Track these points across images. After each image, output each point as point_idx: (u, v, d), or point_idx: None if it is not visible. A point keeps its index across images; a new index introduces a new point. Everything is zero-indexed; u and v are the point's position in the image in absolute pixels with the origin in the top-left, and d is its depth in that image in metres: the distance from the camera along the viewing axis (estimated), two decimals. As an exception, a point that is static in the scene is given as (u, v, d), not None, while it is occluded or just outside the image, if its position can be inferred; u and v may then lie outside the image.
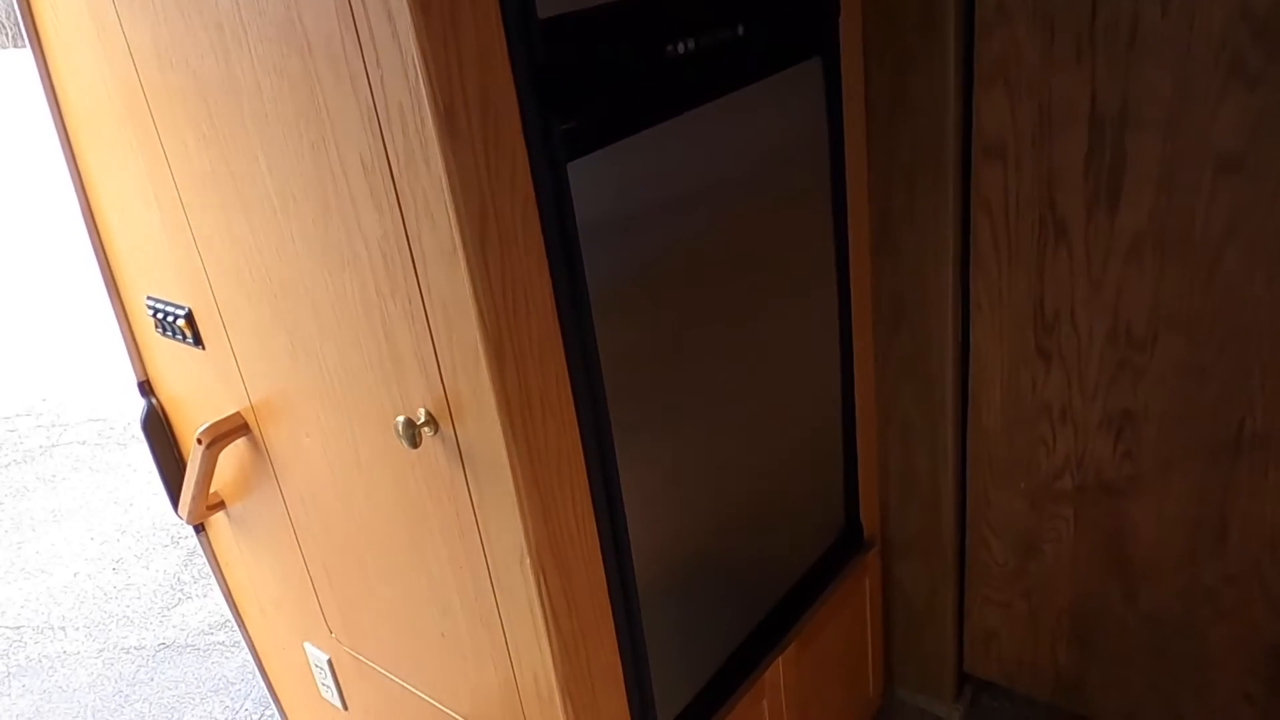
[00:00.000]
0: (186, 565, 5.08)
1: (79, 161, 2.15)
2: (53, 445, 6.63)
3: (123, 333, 2.34)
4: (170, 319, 2.11)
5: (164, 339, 2.21)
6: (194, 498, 2.24)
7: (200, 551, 2.56)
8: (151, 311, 2.17)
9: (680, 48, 1.67)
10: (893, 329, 2.43)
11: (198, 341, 2.10)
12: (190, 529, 2.51)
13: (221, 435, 2.07)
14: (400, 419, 1.59)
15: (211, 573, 2.61)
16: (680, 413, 1.88)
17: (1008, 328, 2.31)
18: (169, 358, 2.25)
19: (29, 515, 5.73)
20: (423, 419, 1.60)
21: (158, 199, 1.96)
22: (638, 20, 1.58)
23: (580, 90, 1.50)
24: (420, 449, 1.63)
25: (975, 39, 2.09)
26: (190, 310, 2.06)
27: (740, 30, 1.79)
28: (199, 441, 2.07)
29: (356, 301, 1.62)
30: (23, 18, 2.02)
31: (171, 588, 4.89)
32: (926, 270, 2.32)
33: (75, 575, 5.09)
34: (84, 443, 6.59)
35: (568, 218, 1.51)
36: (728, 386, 2.00)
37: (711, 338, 1.92)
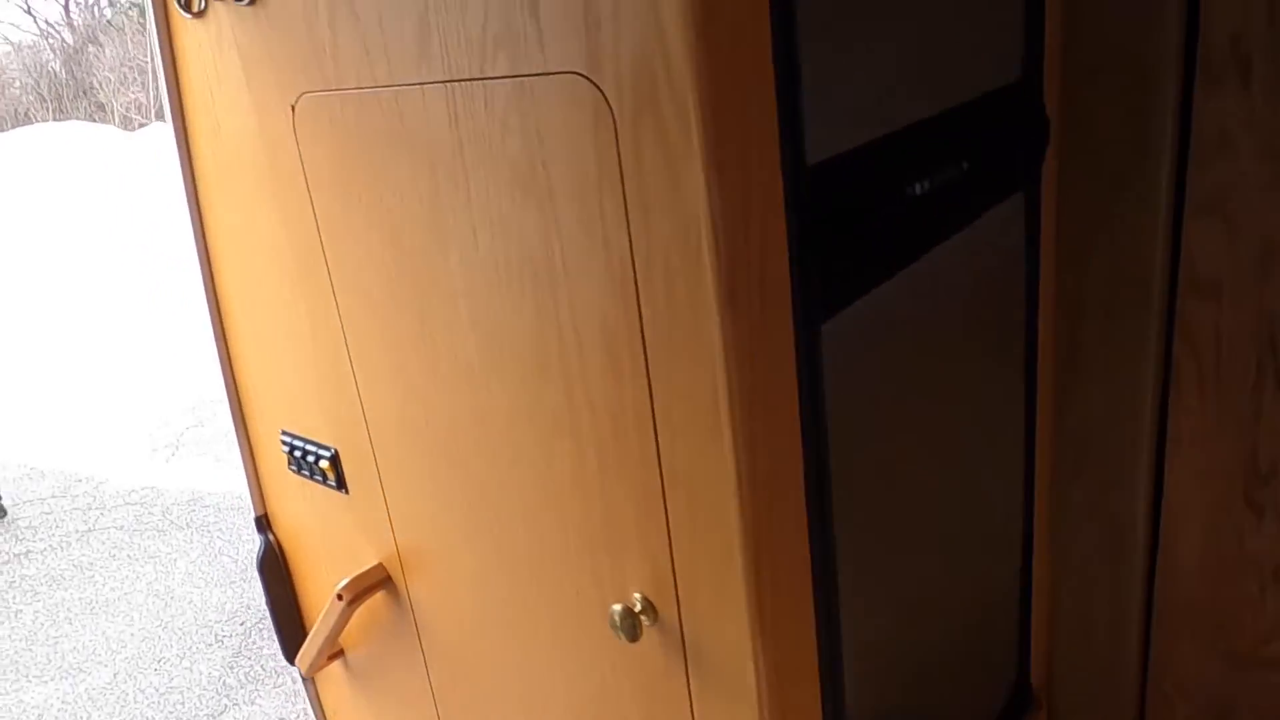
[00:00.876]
0: (232, 668, 4.80)
1: (219, 290, 2.00)
2: (89, 530, 6.40)
3: (245, 464, 2.15)
4: (309, 458, 1.93)
5: (295, 476, 2.02)
6: (320, 651, 2.03)
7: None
8: (287, 448, 1.98)
9: (918, 187, 1.52)
10: (1077, 467, 2.23)
11: (340, 485, 1.91)
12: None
13: (365, 590, 1.87)
14: (617, 608, 1.38)
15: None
16: (887, 570, 1.68)
17: (1212, 474, 2.11)
18: (298, 497, 2.06)
19: (65, 606, 5.48)
20: (639, 606, 1.40)
21: (314, 337, 1.80)
22: (887, 160, 1.44)
23: (837, 242, 1.34)
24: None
25: (1189, 168, 1.94)
26: (337, 452, 1.88)
27: (965, 167, 1.64)
28: (340, 597, 1.87)
29: (566, 470, 1.43)
30: (176, 135, 1.89)
31: (217, 692, 4.61)
32: (1119, 408, 2.13)
33: (115, 675, 4.81)
34: (121, 528, 6.36)
35: (820, 382, 1.34)
36: (922, 536, 1.81)
37: (919, 486, 1.75)
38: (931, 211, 1.57)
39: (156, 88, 19.96)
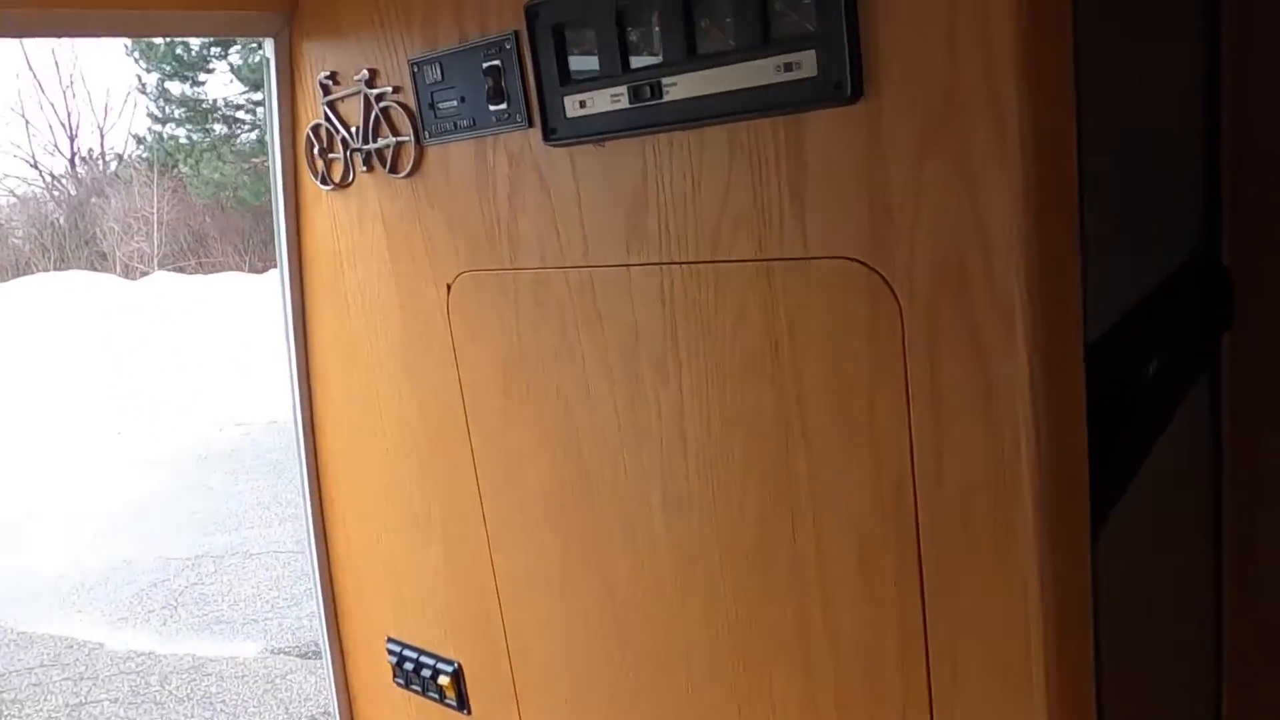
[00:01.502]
0: None
1: (320, 468, 1.80)
2: (81, 703, 5.88)
3: (334, 672, 1.89)
4: (424, 671, 1.68)
5: (401, 690, 1.75)
6: None
7: None
8: (395, 658, 1.73)
9: (1150, 369, 1.37)
10: (1266, 661, 2.00)
11: (462, 705, 1.65)
12: None
13: (491, 836, 1.58)
14: None
15: None
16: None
17: None
18: (402, 713, 1.79)
19: (55, 798, 4.95)
20: None
21: (445, 535, 1.59)
22: (1124, 341, 1.28)
23: (1105, 434, 1.16)
24: None
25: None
26: (460, 667, 1.63)
27: (1176, 345, 1.51)
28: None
29: (791, 711, 1.20)
30: (290, 305, 1.74)
31: None
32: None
33: None
34: (116, 700, 5.85)
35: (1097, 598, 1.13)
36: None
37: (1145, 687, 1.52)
38: (1158, 396, 1.42)
39: (160, 236, 20.28)
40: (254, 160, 19.74)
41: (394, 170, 1.48)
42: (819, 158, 1.02)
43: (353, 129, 1.52)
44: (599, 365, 1.31)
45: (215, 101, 20.39)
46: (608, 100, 1.17)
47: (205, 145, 20.05)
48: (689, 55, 1.08)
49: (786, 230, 1.07)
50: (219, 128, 20.58)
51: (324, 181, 1.59)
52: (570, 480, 1.39)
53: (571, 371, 1.34)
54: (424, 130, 1.41)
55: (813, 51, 0.99)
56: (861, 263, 1.02)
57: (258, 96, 20.03)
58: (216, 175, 19.78)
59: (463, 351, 1.49)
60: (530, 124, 1.27)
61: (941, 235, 0.96)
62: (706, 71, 1.08)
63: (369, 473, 1.73)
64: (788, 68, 1.01)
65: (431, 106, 1.39)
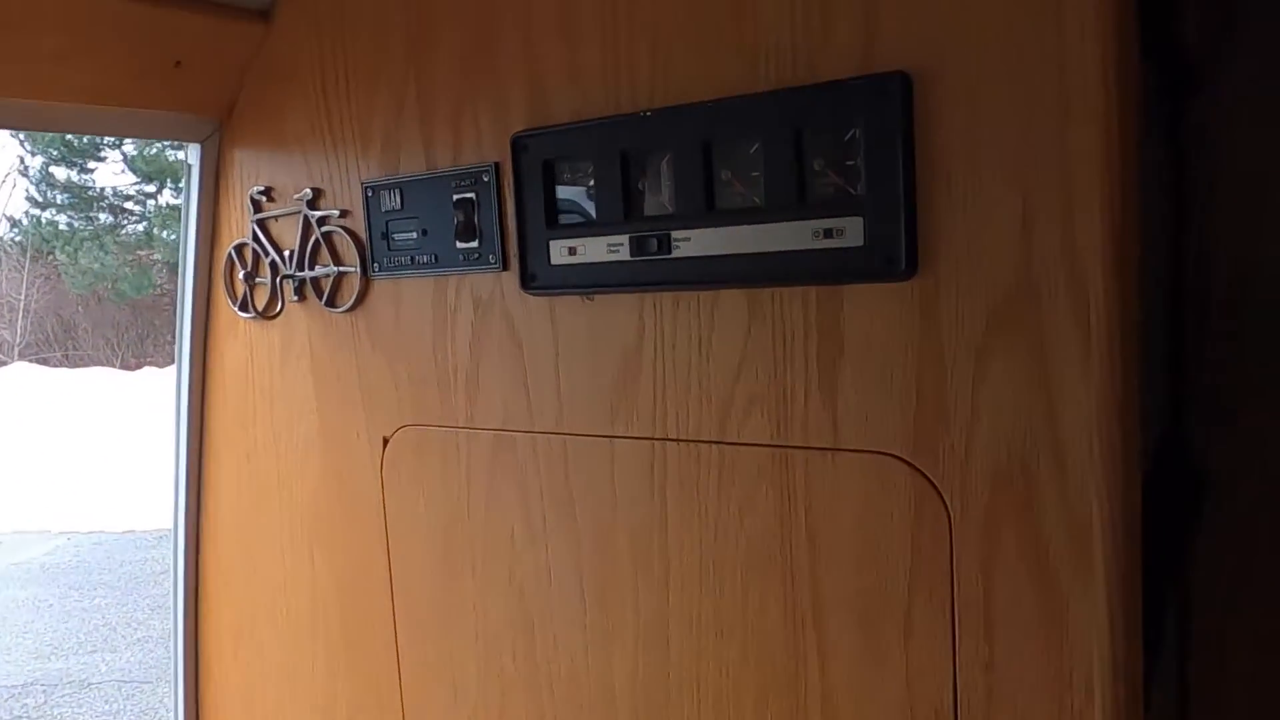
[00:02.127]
0: None
1: (201, 631, 1.51)
2: None
3: None
4: None
5: None
6: None
7: None
8: None
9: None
10: None
11: None
12: None
13: None
14: None
15: None
16: None
17: None
18: None
19: None
20: None
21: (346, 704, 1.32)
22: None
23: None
24: None
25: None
26: None
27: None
28: None
29: None
30: (186, 448, 1.48)
31: None
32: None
33: None
34: None
35: None
36: None
37: None
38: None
39: (25, 324, 18.91)
40: (139, 253, 18.85)
41: (331, 303, 1.28)
42: (858, 336, 0.89)
43: (286, 253, 1.32)
44: (566, 549, 1.11)
45: (103, 190, 19.53)
46: (603, 249, 1.02)
47: (87, 234, 19.05)
48: (707, 210, 0.95)
49: (813, 415, 0.92)
50: (104, 217, 19.65)
51: (244, 308, 1.37)
52: (518, 681, 1.17)
53: (531, 554, 1.14)
54: (373, 262, 1.23)
55: (859, 219, 0.87)
56: (904, 460, 0.88)
57: (150, 188, 19.34)
58: (96, 265, 18.73)
59: (396, 518, 1.27)
60: (505, 267, 1.11)
61: (1004, 437, 0.83)
62: (727, 229, 0.94)
63: (261, 654, 1.45)
64: (827, 234, 0.89)
65: (385, 237, 1.21)
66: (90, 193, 19.70)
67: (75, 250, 18.78)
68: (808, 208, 0.89)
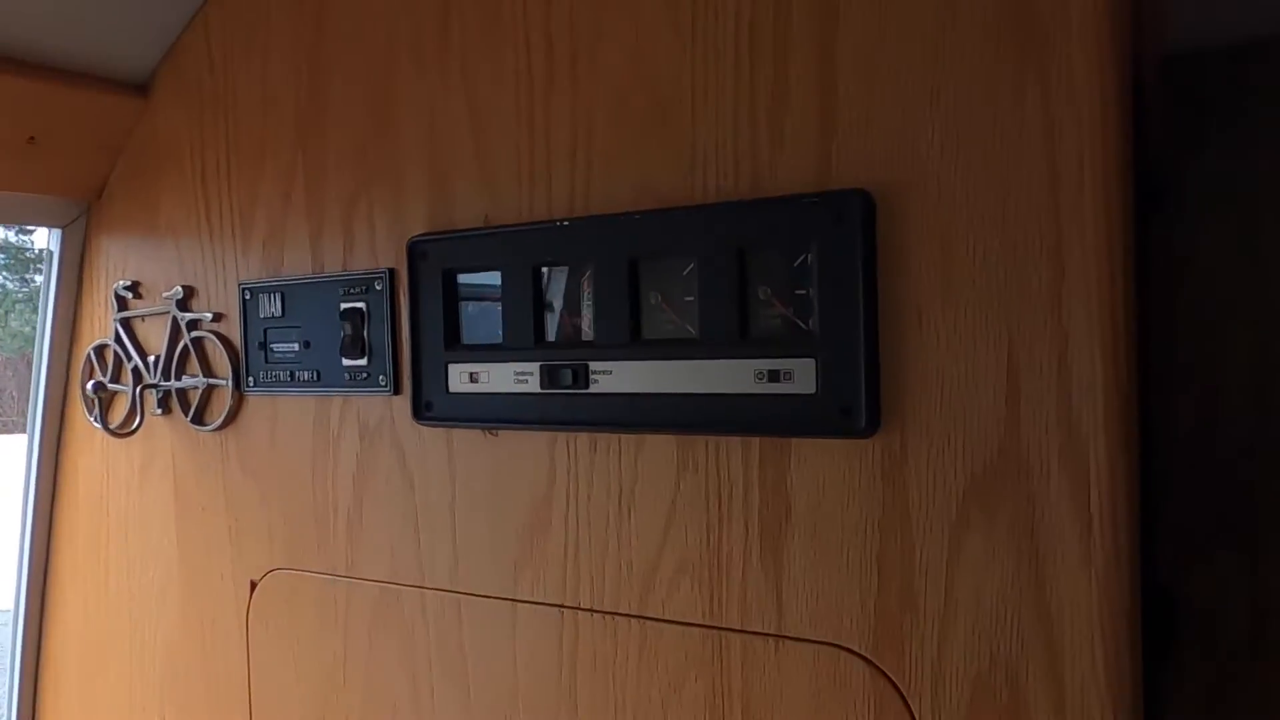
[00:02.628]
0: None
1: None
2: None
3: None
4: None
5: None
6: None
7: None
8: None
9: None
10: None
11: None
12: None
13: None
14: None
15: None
16: None
17: None
18: None
19: None
20: None
21: None
22: None
23: None
24: None
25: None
26: None
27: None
28: None
29: None
30: (26, 594, 1.25)
31: None
32: None
33: None
34: None
35: None
36: None
37: None
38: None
39: (-55, 388, 18.02)
40: (75, 316, 18.21)
41: (198, 420, 1.09)
42: (808, 500, 0.73)
43: (151, 358, 1.14)
44: (458, 709, 0.92)
45: (40, 251, 18.99)
46: (510, 378, 0.86)
47: (20, 296, 18.40)
48: (631, 339, 0.80)
49: (753, 591, 0.76)
50: (40, 278, 19.06)
51: (101, 420, 1.18)
52: None
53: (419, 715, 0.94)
54: (247, 375, 1.05)
55: (811, 361, 0.72)
56: (861, 656, 0.71)
57: (92, 251, 18.80)
58: (28, 329, 18.07)
59: (261, 674, 1.06)
60: (396, 391, 0.94)
61: (985, 636, 0.67)
62: (654, 363, 0.79)
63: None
64: (772, 376, 0.74)
65: (263, 347, 1.04)
66: (29, 254, 19.12)
67: (5, 313, 18.11)
68: (750, 343, 0.75)
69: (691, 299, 0.78)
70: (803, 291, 0.74)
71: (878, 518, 0.71)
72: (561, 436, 0.85)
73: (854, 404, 0.70)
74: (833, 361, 0.71)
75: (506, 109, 0.87)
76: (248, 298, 1.05)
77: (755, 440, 0.75)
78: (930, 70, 0.67)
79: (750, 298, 0.75)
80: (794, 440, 0.74)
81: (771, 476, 0.75)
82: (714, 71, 0.76)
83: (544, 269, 0.84)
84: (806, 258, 0.73)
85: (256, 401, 1.06)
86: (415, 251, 0.91)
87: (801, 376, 0.72)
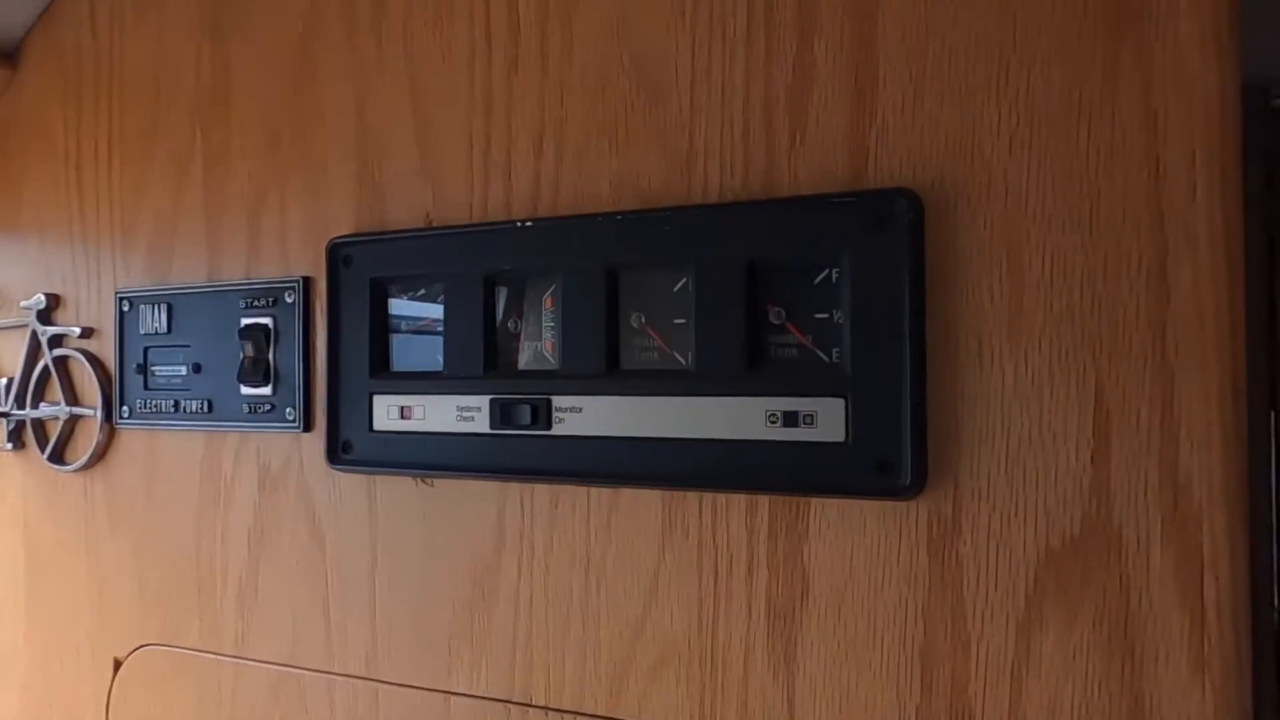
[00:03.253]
0: None
1: None
2: None
3: None
4: None
5: None
6: None
7: None
8: None
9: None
10: None
11: None
12: None
13: None
14: None
15: None
16: None
17: None
18: None
19: None
20: None
21: None
22: None
23: None
24: None
25: None
26: None
27: None
28: None
29: None
30: None
31: None
32: None
33: None
34: None
35: None
36: None
37: None
38: None
39: None
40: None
41: (58, 458, 0.89)
42: (831, 577, 0.58)
43: (3, 381, 0.93)
44: None
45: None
46: (451, 415, 0.69)
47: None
48: (607, 369, 0.64)
49: (756, 693, 0.60)
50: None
51: (-65, 454, 0.96)
52: None
53: None
54: (121, 404, 0.86)
55: (840, 401, 0.57)
56: None
57: None
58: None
59: None
60: (307, 427, 0.77)
61: None
62: (635, 399, 0.64)
63: None
64: (789, 419, 0.59)
65: (143, 370, 0.85)
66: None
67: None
68: (760, 378, 0.60)
69: (683, 321, 0.63)
70: (824, 315, 0.59)
71: (921, 603, 0.56)
72: (514, 488, 0.69)
73: (894, 456, 0.56)
74: (868, 402, 0.56)
75: (458, 88, 0.71)
76: (126, 309, 0.86)
77: (764, 499, 0.60)
78: (996, 44, 0.55)
79: (759, 320, 0.61)
80: (814, 500, 0.59)
81: (784, 546, 0.60)
82: (718, 44, 0.62)
83: (499, 281, 0.69)
84: (831, 273, 0.59)
85: (131, 437, 0.86)
86: (337, 256, 0.74)
87: (827, 420, 0.58)
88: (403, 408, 0.72)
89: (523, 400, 0.67)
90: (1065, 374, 0.53)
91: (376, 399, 0.73)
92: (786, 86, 0.60)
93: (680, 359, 0.63)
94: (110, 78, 0.89)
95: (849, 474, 0.57)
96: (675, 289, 0.64)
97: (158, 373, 0.84)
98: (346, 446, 0.74)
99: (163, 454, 0.85)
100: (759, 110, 0.61)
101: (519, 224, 0.67)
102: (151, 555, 0.85)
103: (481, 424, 0.68)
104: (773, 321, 0.61)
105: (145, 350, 0.85)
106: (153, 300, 0.84)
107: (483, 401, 0.68)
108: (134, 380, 0.85)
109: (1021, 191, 0.54)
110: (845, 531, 0.58)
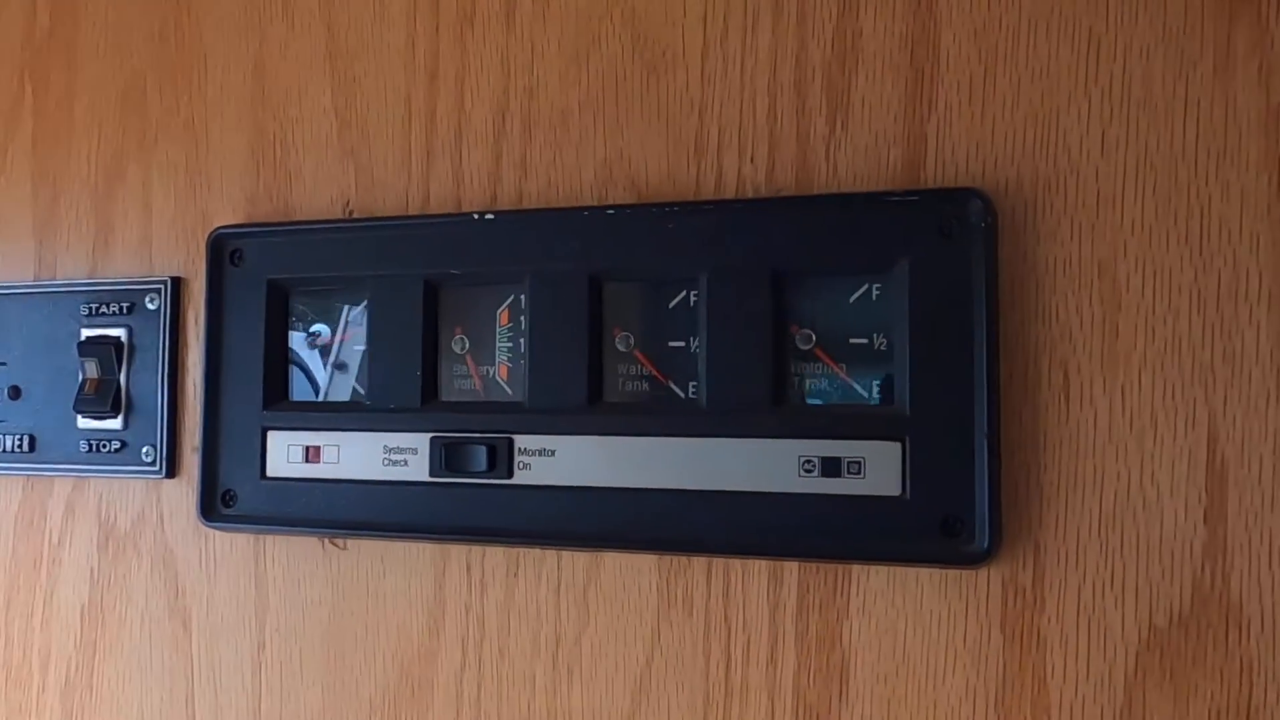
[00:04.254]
0: None
1: None
2: None
3: None
4: None
5: None
6: None
7: None
8: None
9: None
10: None
11: None
12: None
13: None
14: None
15: None
16: None
17: None
18: None
19: None
20: None
21: None
22: None
23: None
24: None
25: None
26: None
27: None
28: None
29: None
30: None
31: None
32: None
33: None
34: None
35: None
36: None
37: None
38: None
39: None
40: None
41: None
42: (879, 663, 0.47)
43: None
44: None
45: None
46: (376, 457, 0.54)
47: None
48: (588, 401, 0.51)
49: None
50: None
51: None
52: None
53: None
54: (-98, 439, 0.65)
55: (895, 447, 0.47)
56: None
57: None
58: None
59: None
60: (170, 472, 0.59)
61: None
62: (625, 441, 0.51)
63: None
64: (829, 469, 0.48)
65: (-66, 393, 0.64)
66: None
67: None
68: (790, 416, 0.48)
69: (680, 344, 0.51)
70: (861, 340, 0.49)
71: (994, 694, 0.46)
72: (458, 552, 0.54)
73: (962, 513, 0.45)
74: (931, 447, 0.46)
75: (392, 45, 0.56)
76: (-89, 314, 0.65)
77: (790, 566, 0.48)
78: (1085, 22, 0.46)
79: (785, 344, 0.49)
80: (855, 567, 0.48)
81: (817, 625, 0.48)
82: (737, 4, 0.51)
83: (441, 288, 0.54)
84: (871, 289, 0.48)
85: (-86, 482, 0.65)
86: (223, 250, 0.57)
87: (878, 469, 0.47)
88: (308, 448, 0.55)
89: (475, 440, 0.52)
90: (1171, 414, 0.44)
91: (272, 435, 0.56)
92: (824, 61, 0.49)
93: (679, 390, 0.51)
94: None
95: (906, 535, 0.46)
96: (671, 304, 0.52)
97: (-43, 398, 0.64)
98: (228, 498, 0.57)
99: (-40, 506, 0.64)
100: (789, 88, 0.50)
101: (477, 216, 0.53)
102: None
103: (418, 469, 0.53)
104: (799, 346, 0.49)
105: (-60, 368, 0.64)
106: (-46, 302, 0.64)
107: (420, 440, 0.53)
108: (-79, 407, 0.64)
109: (1116, 197, 0.45)
110: (896, 605, 0.47)
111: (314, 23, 0.58)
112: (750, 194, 0.50)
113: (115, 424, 0.59)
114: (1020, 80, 0.47)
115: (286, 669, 0.56)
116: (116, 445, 0.59)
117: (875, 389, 0.48)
